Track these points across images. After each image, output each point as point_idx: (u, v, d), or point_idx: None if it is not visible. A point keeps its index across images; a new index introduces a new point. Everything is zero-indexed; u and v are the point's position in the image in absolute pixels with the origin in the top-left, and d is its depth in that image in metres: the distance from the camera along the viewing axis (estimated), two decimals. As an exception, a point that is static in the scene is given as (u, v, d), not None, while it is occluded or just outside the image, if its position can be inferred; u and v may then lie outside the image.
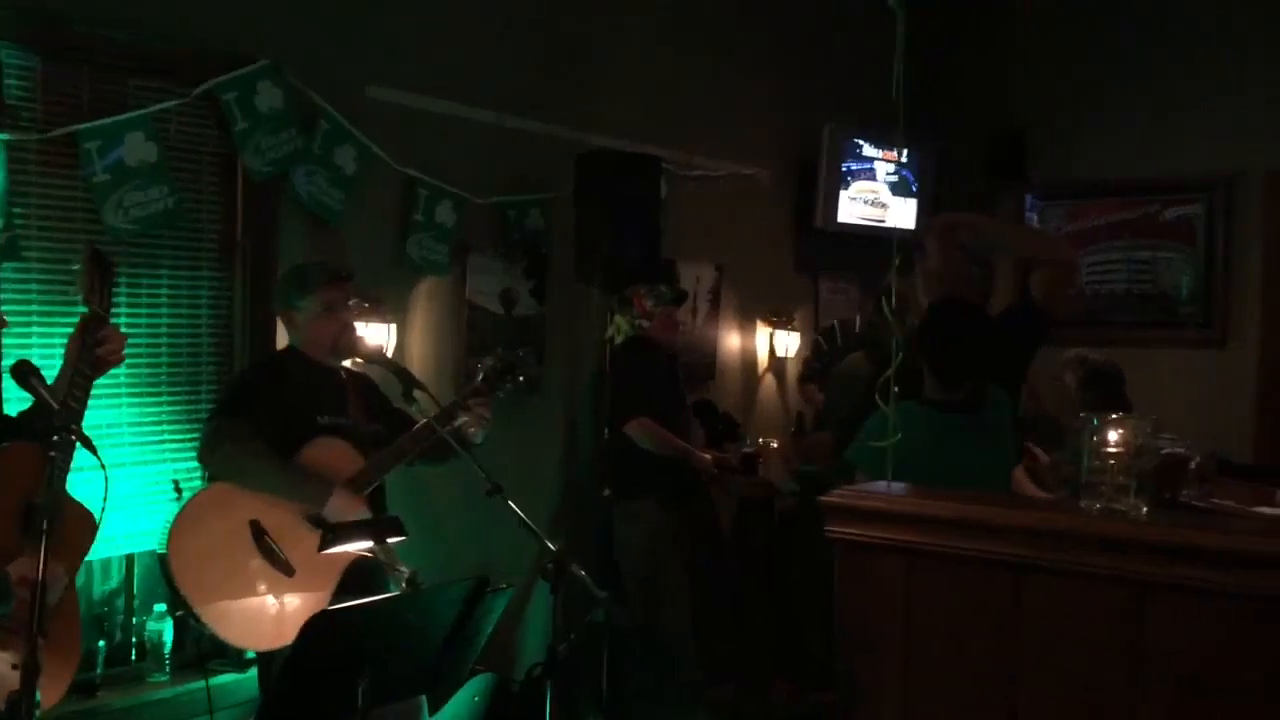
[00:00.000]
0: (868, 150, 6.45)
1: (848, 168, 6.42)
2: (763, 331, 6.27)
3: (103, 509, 2.45)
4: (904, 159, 6.65)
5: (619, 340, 4.74)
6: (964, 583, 1.92)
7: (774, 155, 6.16)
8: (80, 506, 2.54)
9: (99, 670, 3.59)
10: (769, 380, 6.34)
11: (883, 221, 6.51)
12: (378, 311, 4.07)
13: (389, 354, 3.99)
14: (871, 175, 6.57)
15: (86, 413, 3.40)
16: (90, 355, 2.55)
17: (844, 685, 2.08)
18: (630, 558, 4.70)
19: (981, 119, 6.88)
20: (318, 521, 3.08)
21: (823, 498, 2.07)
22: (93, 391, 3.41)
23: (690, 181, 5.53)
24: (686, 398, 5.14)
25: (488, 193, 4.57)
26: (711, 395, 5.79)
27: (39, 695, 2.09)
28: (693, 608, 4.76)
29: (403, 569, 2.79)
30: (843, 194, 6.38)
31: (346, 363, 3.68)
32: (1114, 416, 1.98)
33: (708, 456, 4.94)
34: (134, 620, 3.76)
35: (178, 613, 3.56)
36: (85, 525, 2.54)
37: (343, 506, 3.12)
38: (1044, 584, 1.91)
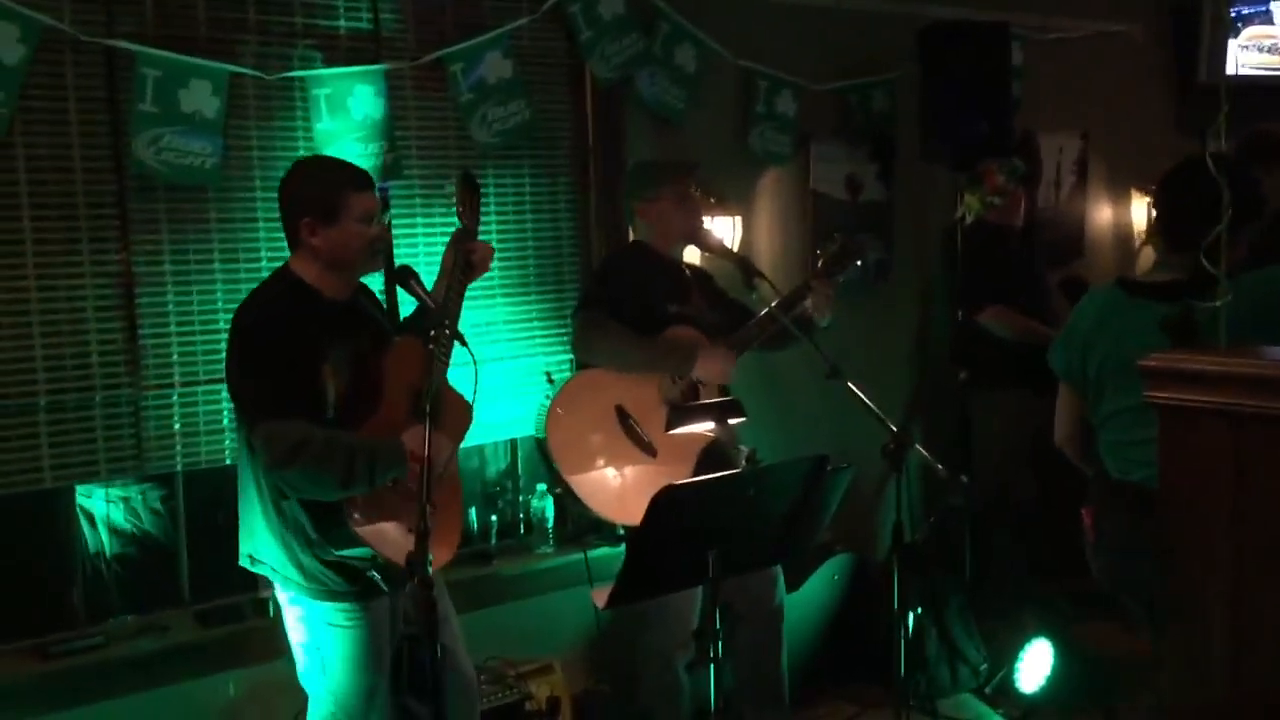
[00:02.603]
0: (1263, -10, 5.75)
1: (1238, 12, 5.77)
2: (1139, 201, 5.81)
3: (474, 396, 2.75)
4: (1310, -4, 5.87)
5: (970, 220, 4.59)
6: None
7: (1144, 7, 5.63)
8: (457, 394, 2.85)
9: (493, 542, 4.04)
10: (1147, 253, 5.88)
11: (1283, 69, 5.82)
12: (722, 205, 4.18)
13: (734, 246, 4.10)
14: (1268, 18, 5.86)
15: (466, 313, 3.82)
16: (462, 263, 2.87)
17: (1167, 553, 1.98)
18: (987, 446, 4.59)
19: None
20: (683, 394, 3.28)
21: (1141, 361, 1.96)
22: (471, 294, 3.82)
23: (1049, 46, 5.18)
24: (1046, 276, 4.90)
25: (828, 78, 4.53)
26: (1081, 272, 5.47)
27: (430, 556, 2.40)
28: (1053, 496, 4.60)
29: (743, 447, 2.91)
30: (1231, 42, 5.74)
31: (695, 257, 3.84)
32: None
33: (1071, 338, 4.70)
34: (520, 498, 4.18)
35: (556, 490, 3.92)
36: (462, 409, 2.86)
37: (712, 361, 3.30)
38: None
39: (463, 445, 3.86)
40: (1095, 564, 3.03)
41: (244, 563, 2.82)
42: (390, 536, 2.67)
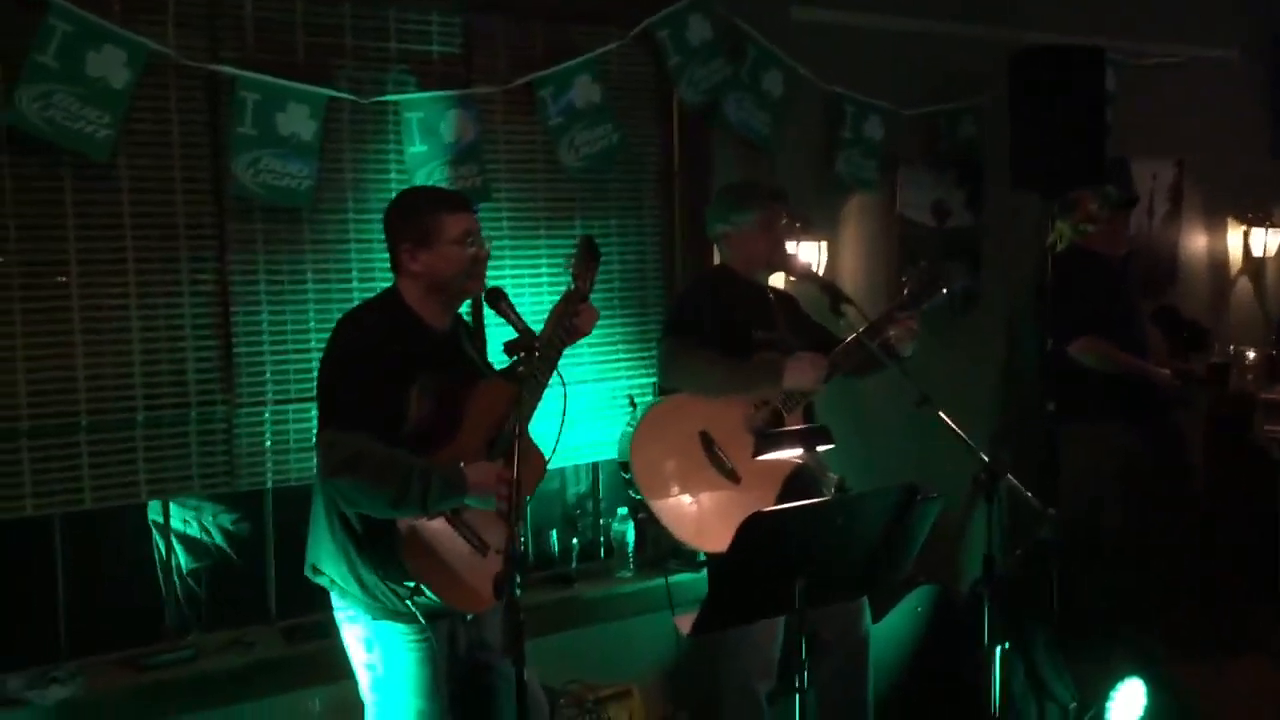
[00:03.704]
0: (1366, 13, 5.59)
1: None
2: (1235, 231, 5.68)
3: (562, 420, 2.73)
4: None
5: (1061, 248, 4.50)
6: None
7: (1243, 33, 5.50)
8: (536, 447, 2.83)
9: (573, 565, 4.03)
10: (1243, 284, 5.74)
11: (1388, 94, 5.64)
12: (808, 230, 4.15)
13: (819, 271, 4.07)
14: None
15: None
16: (568, 323, 2.88)
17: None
18: (1075, 479, 4.49)
19: None
20: (769, 417, 3.26)
21: (1264, 395, 1.90)
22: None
23: (1144, 71, 5.09)
24: (1140, 307, 4.79)
25: (916, 103, 4.49)
26: (1173, 302, 5.34)
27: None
28: (1145, 531, 4.48)
29: (831, 475, 2.87)
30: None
31: (778, 281, 3.82)
32: None
33: (1166, 371, 4.58)
34: (601, 522, 4.17)
35: (640, 515, 3.89)
36: (538, 462, 2.83)
37: (801, 367, 3.26)
38: None
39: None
40: None
41: (307, 572, 2.83)
42: (436, 575, 2.67)
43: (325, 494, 2.73)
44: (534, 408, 2.76)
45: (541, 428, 2.85)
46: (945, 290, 3.47)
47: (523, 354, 2.67)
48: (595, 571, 4.07)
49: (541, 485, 4.01)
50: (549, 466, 2.88)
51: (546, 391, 2.83)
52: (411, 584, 2.65)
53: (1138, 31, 5.06)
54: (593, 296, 3.89)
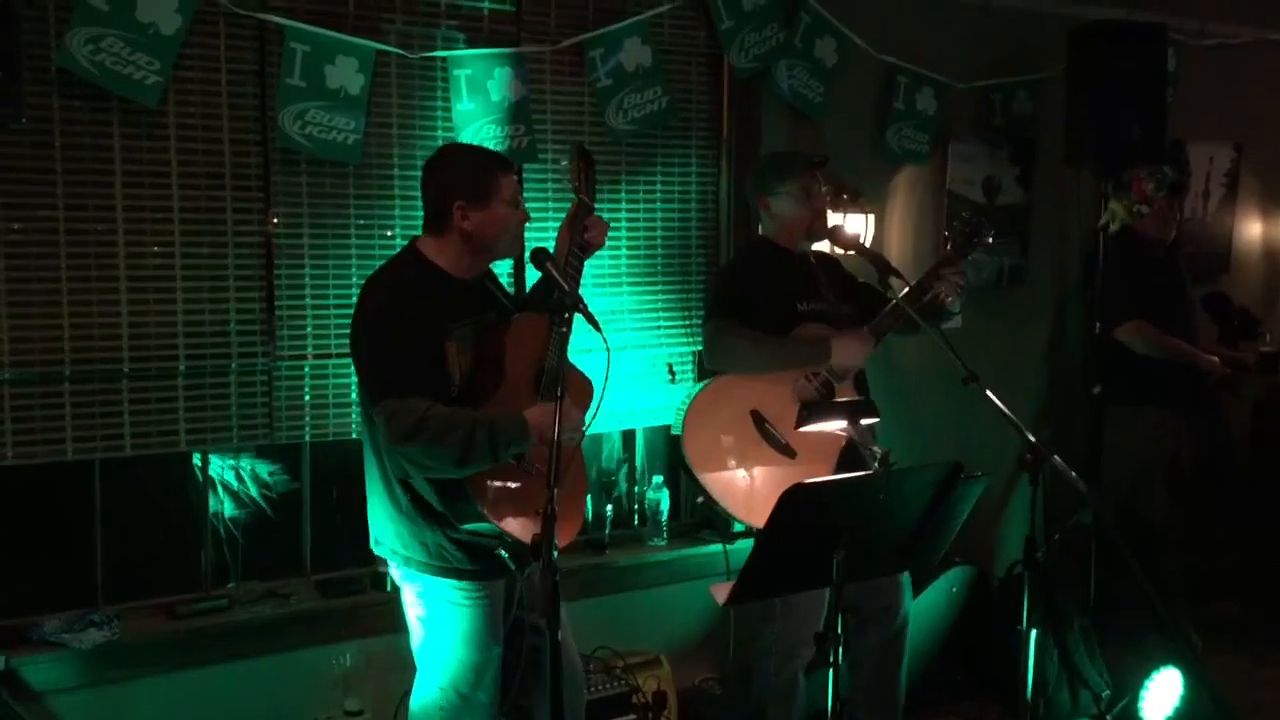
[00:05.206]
0: None
1: None
2: (1291, 218, 5.56)
3: (605, 382, 2.71)
4: None
5: (1114, 228, 4.42)
6: None
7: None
8: (579, 370, 2.85)
9: (607, 532, 4.01)
10: (1298, 271, 5.63)
11: None
12: (856, 202, 4.09)
13: (866, 243, 4.01)
14: None
15: (591, 301, 3.80)
16: (579, 239, 2.87)
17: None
18: (1118, 465, 4.43)
19: None
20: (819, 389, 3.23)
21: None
22: (598, 282, 3.81)
23: (1206, 51, 4.97)
24: (1190, 292, 4.70)
25: (971, 77, 4.41)
26: (1224, 289, 5.25)
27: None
28: (1185, 519, 4.42)
29: (876, 449, 2.84)
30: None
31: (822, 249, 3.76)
32: None
33: (1214, 358, 4.51)
34: (636, 490, 4.15)
35: (699, 499, 3.88)
36: (585, 386, 2.85)
37: (849, 347, 3.22)
38: None
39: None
40: None
41: (371, 544, 2.85)
42: (514, 516, 2.66)
43: (382, 463, 2.72)
44: (568, 337, 2.75)
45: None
46: (990, 240, 3.41)
47: (568, 314, 2.66)
48: (628, 539, 4.05)
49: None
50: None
51: (588, 356, 2.81)
52: (497, 530, 2.65)
53: (1201, 11, 4.94)
54: (634, 262, 3.91)
